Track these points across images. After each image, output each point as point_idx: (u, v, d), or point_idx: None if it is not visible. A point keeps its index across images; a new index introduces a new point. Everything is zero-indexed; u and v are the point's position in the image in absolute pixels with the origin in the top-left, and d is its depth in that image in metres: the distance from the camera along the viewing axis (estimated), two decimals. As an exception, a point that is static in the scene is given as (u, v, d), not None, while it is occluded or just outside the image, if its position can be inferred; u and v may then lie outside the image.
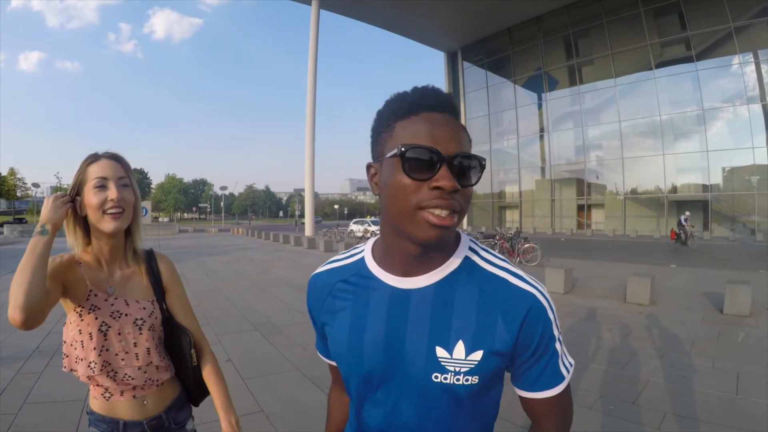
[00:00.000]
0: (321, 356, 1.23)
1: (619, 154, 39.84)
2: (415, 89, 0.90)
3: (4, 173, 67.81)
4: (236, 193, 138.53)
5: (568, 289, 9.93)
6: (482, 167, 0.86)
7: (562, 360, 0.97)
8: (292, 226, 56.73)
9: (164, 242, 27.38)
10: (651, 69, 37.19)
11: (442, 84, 53.42)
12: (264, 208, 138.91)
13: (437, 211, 0.82)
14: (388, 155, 0.86)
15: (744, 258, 18.46)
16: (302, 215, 45.69)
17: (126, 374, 1.47)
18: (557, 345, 0.95)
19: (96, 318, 1.44)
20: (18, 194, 68.62)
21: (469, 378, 0.90)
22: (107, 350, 1.44)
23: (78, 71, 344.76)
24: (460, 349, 0.90)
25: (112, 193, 1.42)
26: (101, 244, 1.50)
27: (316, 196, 37.67)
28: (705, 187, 36.23)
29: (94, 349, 1.42)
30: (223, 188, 78.40)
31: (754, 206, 33.47)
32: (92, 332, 1.43)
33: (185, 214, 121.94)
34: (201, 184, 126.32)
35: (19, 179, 68.37)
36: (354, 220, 40.03)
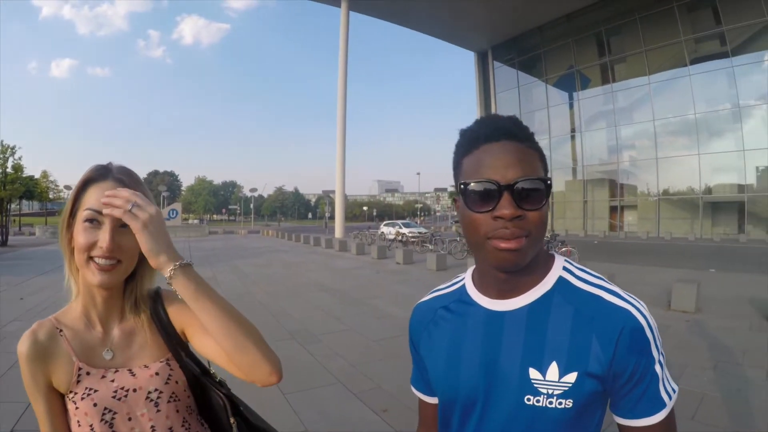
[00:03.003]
0: (415, 391, 1.20)
1: (653, 154, 38.99)
2: (476, 122, 0.94)
3: (37, 176, 69.46)
4: (265, 195, 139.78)
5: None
6: (548, 187, 0.87)
7: (664, 384, 0.88)
8: (322, 228, 56.96)
9: (194, 244, 27.66)
10: (685, 66, 36.09)
11: (472, 84, 53.55)
12: (293, 210, 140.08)
13: (502, 242, 0.84)
14: (458, 192, 0.91)
15: None
16: (332, 217, 45.77)
17: None
18: (657, 367, 0.87)
19: (94, 404, 1.05)
20: (50, 196, 70.21)
21: (563, 401, 0.86)
22: None
23: (108, 77, 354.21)
24: (553, 370, 0.87)
25: (103, 238, 1.02)
26: (93, 294, 1.11)
27: (345, 197, 37.65)
28: (741, 188, 35.08)
29: None
30: (253, 190, 79.20)
31: None
32: (93, 424, 1.05)
33: (215, 216, 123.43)
34: (230, 186, 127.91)
35: (51, 181, 69.89)
36: (385, 222, 39.91)
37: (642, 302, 0.91)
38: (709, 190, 36.82)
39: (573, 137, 44.81)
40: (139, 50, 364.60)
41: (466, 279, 1.06)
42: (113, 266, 1.04)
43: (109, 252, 1.02)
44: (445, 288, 1.11)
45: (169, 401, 1.12)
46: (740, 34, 33.38)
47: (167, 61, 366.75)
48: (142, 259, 1.10)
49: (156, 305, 1.19)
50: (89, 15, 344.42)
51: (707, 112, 35.63)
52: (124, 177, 1.09)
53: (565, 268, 0.96)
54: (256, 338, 1.03)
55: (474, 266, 1.05)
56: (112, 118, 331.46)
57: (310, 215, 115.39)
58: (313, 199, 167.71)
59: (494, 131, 0.88)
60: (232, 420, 1.17)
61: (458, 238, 21.50)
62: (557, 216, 45.72)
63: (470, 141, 0.91)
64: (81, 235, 1.03)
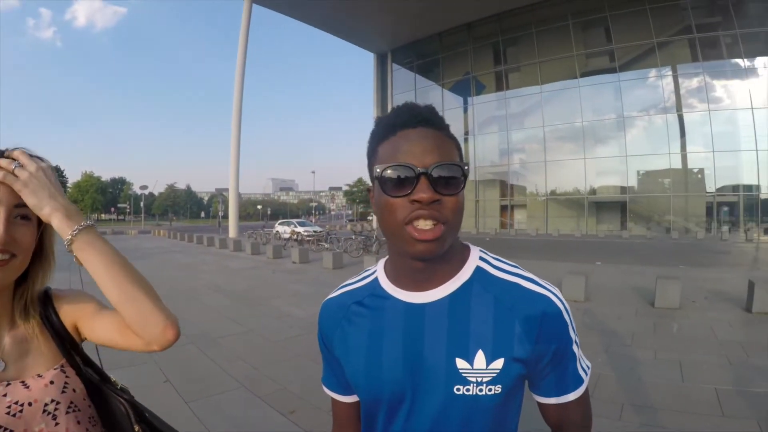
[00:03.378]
0: (327, 391, 1.14)
1: (542, 158, 41.51)
2: (393, 109, 0.92)
3: None
4: (156, 193, 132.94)
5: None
6: (465, 173, 0.86)
7: (580, 363, 0.96)
8: (215, 228, 55.11)
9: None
10: (575, 78, 39.28)
11: (370, 85, 54.00)
12: (185, 209, 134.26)
13: (420, 224, 0.83)
14: (373, 178, 0.89)
15: (662, 255, 19.77)
16: (225, 216, 44.40)
17: None
18: (575, 348, 0.94)
19: None
20: None
21: (492, 387, 0.88)
22: None
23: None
24: (480, 358, 0.88)
25: None
26: None
27: (239, 196, 36.68)
28: (623, 189, 38.92)
29: None
30: (143, 187, 75.03)
31: (669, 207, 36.51)
32: None
33: (103, 215, 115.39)
34: (119, 183, 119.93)
35: None
36: (279, 221, 39.26)
37: (557, 288, 0.96)
38: (593, 191, 40.19)
39: (466, 140, 46.37)
40: (28, 30, 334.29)
41: (378, 272, 1.04)
42: (6, 262, 0.92)
43: (3, 244, 0.90)
44: (354, 282, 1.08)
45: (68, 412, 0.98)
46: (628, 53, 37.22)
47: (57, 44, 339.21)
48: (34, 259, 1.02)
49: (46, 307, 1.06)
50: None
51: (594, 121, 39.02)
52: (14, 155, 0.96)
53: (481, 258, 0.98)
54: (149, 290, 1.00)
55: (385, 259, 1.05)
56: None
57: (203, 214, 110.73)
58: (206, 198, 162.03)
59: (411, 118, 0.88)
60: (136, 428, 1.07)
61: (353, 237, 21.63)
62: (449, 215, 47.16)
63: (387, 127, 0.90)
64: None
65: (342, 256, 16.13)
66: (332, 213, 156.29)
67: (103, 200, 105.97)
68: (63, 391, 0.99)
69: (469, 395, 0.88)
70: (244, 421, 3.96)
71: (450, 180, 0.84)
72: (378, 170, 0.86)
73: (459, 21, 43.00)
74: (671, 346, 6.03)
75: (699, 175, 36.18)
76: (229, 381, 4.91)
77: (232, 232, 32.87)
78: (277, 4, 39.76)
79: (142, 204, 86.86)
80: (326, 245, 22.40)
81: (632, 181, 38.60)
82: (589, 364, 1.00)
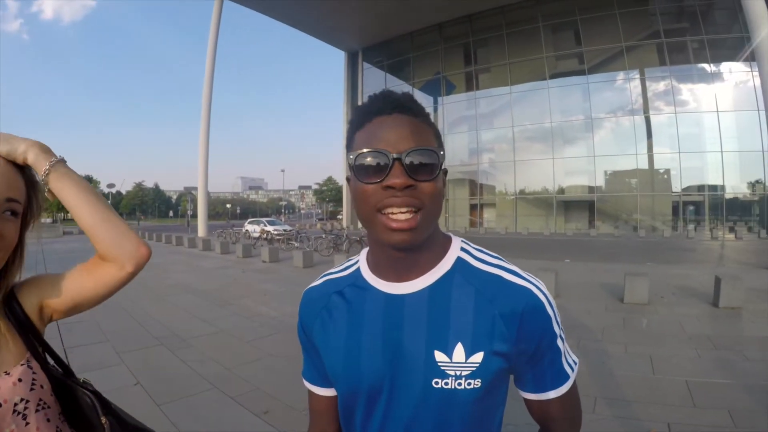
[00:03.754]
0: (307, 383, 1.11)
1: (511, 157, 42.24)
2: (369, 97, 0.91)
3: None
4: (124, 191, 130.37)
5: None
6: (441, 159, 0.85)
7: (566, 358, 0.95)
8: (184, 227, 54.24)
9: (48, 246, 25.08)
10: (545, 79, 40.16)
11: (340, 83, 53.93)
12: (153, 208, 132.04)
13: (393, 211, 0.82)
14: (349, 166, 0.87)
15: (629, 252, 20.24)
16: (194, 215, 43.74)
17: None
18: (559, 342, 0.93)
19: None
20: None
21: (472, 382, 0.86)
22: None
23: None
24: (459, 352, 0.86)
25: None
26: None
27: (208, 195, 36.20)
28: (591, 189, 39.95)
29: None
30: (111, 185, 73.10)
31: (636, 206, 37.60)
32: None
33: (69, 214, 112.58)
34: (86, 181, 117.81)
35: None
36: (249, 220, 38.82)
37: (540, 280, 0.93)
38: (562, 191, 41.13)
39: (436, 139, 46.84)
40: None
41: (361, 262, 1.02)
42: None
43: None
44: (337, 272, 1.06)
45: (37, 410, 0.95)
46: (597, 56, 38.25)
47: (23, 37, 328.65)
48: (17, 255, 1.02)
49: (9, 301, 1.02)
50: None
51: (562, 122, 40.01)
52: None
53: (462, 249, 0.97)
54: (119, 216, 1.09)
55: (368, 248, 1.02)
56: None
57: (171, 213, 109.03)
58: (175, 196, 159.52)
59: (387, 105, 0.87)
60: (103, 420, 1.06)
61: (324, 235, 21.55)
62: (419, 213, 47.44)
63: (363, 115, 0.89)
64: None
65: (312, 254, 16.07)
66: (302, 212, 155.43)
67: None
68: (31, 389, 0.95)
69: (448, 389, 0.86)
70: (218, 422, 3.93)
71: (425, 166, 0.82)
72: (352, 157, 0.85)
73: (430, 21, 43.47)
74: (641, 340, 6.18)
75: (665, 176, 37.45)
76: (201, 382, 4.86)
77: (201, 231, 32.45)
78: (248, 1, 39.42)
79: (109, 202, 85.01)
80: (296, 244, 22.26)
81: (600, 181, 39.62)
82: (576, 360, 0.99)
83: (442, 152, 0.85)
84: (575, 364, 0.97)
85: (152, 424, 3.95)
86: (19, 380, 0.94)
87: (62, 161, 1.04)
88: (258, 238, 26.09)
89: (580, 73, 38.96)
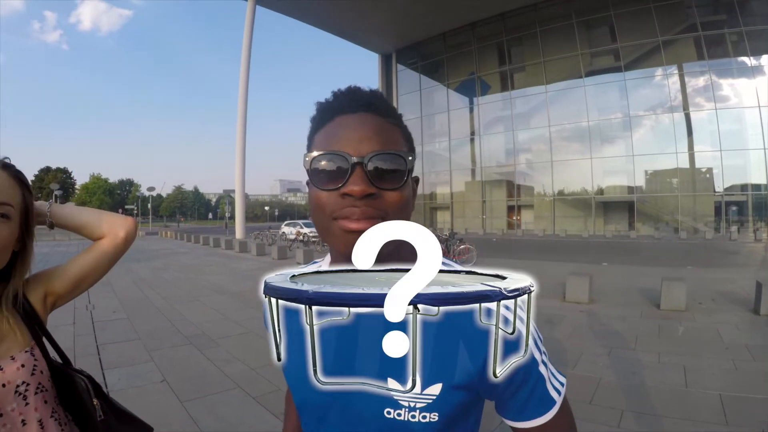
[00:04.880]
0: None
1: (548, 158, 41.36)
2: (333, 93, 0.84)
3: None
4: (164, 194, 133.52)
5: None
6: (409, 165, 0.77)
7: (551, 382, 0.81)
8: (222, 228, 55.32)
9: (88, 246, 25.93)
10: (581, 77, 39.20)
11: (375, 85, 53.66)
12: (193, 210, 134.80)
13: (352, 223, 0.73)
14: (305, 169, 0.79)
15: (670, 255, 19.61)
16: (232, 217, 44.52)
17: None
18: (541, 368, 0.80)
19: None
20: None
21: (427, 415, 0.76)
22: None
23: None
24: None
25: None
26: None
27: (246, 197, 36.77)
28: (630, 189, 38.75)
29: None
30: (151, 189, 75.13)
31: (677, 206, 36.27)
32: None
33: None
34: (127, 185, 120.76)
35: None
36: (286, 222, 39.25)
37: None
38: (601, 191, 40.03)
39: (472, 140, 46.49)
40: (33, 33, 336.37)
41: (323, 267, 0.92)
42: None
43: None
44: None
45: (36, 393, 1.09)
46: (633, 52, 37.08)
47: (63, 47, 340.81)
48: (15, 256, 1.12)
49: (17, 294, 1.15)
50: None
51: (600, 120, 38.95)
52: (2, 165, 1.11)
53: None
54: (102, 210, 1.37)
55: (329, 253, 0.94)
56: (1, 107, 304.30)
57: (210, 215, 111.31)
58: (214, 199, 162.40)
59: (351, 102, 0.80)
60: (95, 401, 1.19)
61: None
62: (457, 215, 47.36)
63: (324, 112, 0.82)
64: None
65: (347, 257, 16.12)
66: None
67: (111, 202, 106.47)
68: (32, 373, 1.09)
69: (401, 420, 0.77)
70: (238, 421, 3.99)
71: (390, 172, 0.75)
72: (308, 159, 0.77)
73: (463, 21, 43.07)
74: (676, 349, 5.91)
75: (707, 175, 36.02)
76: (226, 381, 4.94)
77: (239, 233, 32.97)
78: (280, 6, 39.93)
79: (149, 205, 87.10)
80: (331, 246, 22.34)
81: (640, 181, 38.47)
82: (563, 380, 0.85)
83: (411, 157, 0.77)
84: (562, 386, 0.84)
85: (174, 420, 4.02)
86: (23, 366, 1.08)
87: (53, 203, 1.28)
88: (294, 240, 26.32)
89: (617, 70, 37.85)
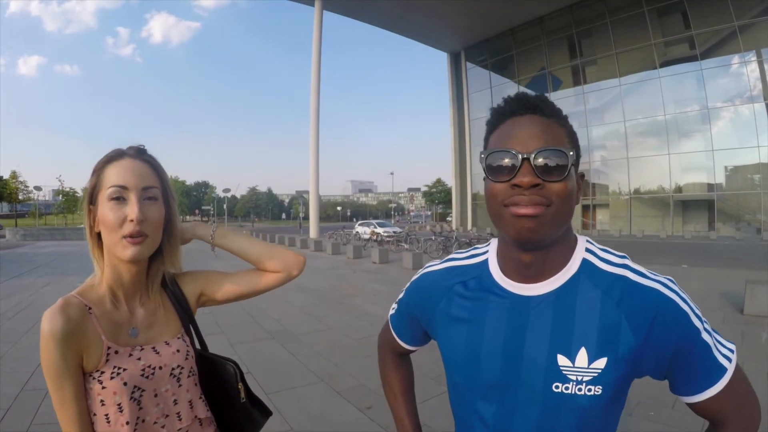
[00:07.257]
0: (393, 331, 1.25)
1: (624, 154, 39.67)
2: (504, 99, 0.93)
3: (6, 176, 67.52)
4: (239, 196, 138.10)
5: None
6: (571, 160, 0.84)
7: (718, 349, 0.89)
8: (296, 228, 56.58)
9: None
10: (655, 68, 36.97)
11: (445, 85, 53.82)
12: (266, 210, 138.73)
13: (521, 208, 0.83)
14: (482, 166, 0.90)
15: (753, 257, 18.38)
16: (306, 217, 45.46)
17: None
18: (705, 336, 0.87)
19: (124, 383, 1.07)
20: (20, 197, 68.07)
21: (593, 388, 0.85)
22: (143, 421, 1.10)
23: (77, 75, 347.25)
24: (582, 356, 0.85)
25: (132, 210, 1.06)
26: (120, 271, 1.13)
27: (319, 197, 37.43)
28: (710, 186, 36.16)
29: (127, 423, 1.06)
30: (226, 190, 77.91)
31: (760, 205, 33.41)
32: (122, 403, 1.06)
33: (188, 217, 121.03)
34: (203, 187, 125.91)
35: (21, 182, 67.62)
36: (359, 222, 39.73)
37: (669, 277, 0.91)
38: (679, 189, 37.72)
39: (545, 137, 45.41)
40: (108, 48, 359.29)
41: (490, 254, 1.03)
42: (142, 239, 1.09)
43: (139, 223, 1.07)
44: (462, 259, 1.07)
45: (189, 376, 1.21)
46: (709, 39, 34.40)
47: (137, 60, 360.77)
48: (165, 238, 1.20)
49: (173, 284, 1.29)
50: (57, 11, 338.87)
51: (676, 114, 36.56)
52: (143, 152, 1.17)
53: (587, 250, 0.95)
54: (268, 243, 1.41)
55: (496, 240, 1.03)
56: (82, 117, 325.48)
57: (283, 216, 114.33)
58: (287, 200, 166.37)
59: (520, 106, 0.89)
60: (240, 385, 1.31)
61: (433, 237, 21.53)
62: (530, 215, 46.08)
63: (497, 116, 0.92)
64: (109, 212, 1.08)
65: (422, 256, 16.15)
66: (411, 214, 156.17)
67: (188, 203, 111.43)
68: (186, 358, 1.21)
69: (567, 394, 0.86)
70: (322, 414, 4.08)
71: (554, 165, 0.83)
72: (483, 156, 0.89)
73: (531, 15, 42.01)
74: (760, 357, 5.54)
75: (792, 171, 33.17)
76: (309, 375, 5.07)
77: (313, 233, 33.64)
78: (347, 10, 40.49)
79: (225, 206, 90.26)
80: (406, 246, 22.48)
81: (720, 178, 35.74)
82: (732, 347, 0.92)
83: (572, 153, 0.85)
84: (732, 352, 0.91)
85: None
86: (177, 351, 1.19)
87: (218, 226, 1.38)
88: (368, 240, 26.61)
89: (692, 59, 35.19)
